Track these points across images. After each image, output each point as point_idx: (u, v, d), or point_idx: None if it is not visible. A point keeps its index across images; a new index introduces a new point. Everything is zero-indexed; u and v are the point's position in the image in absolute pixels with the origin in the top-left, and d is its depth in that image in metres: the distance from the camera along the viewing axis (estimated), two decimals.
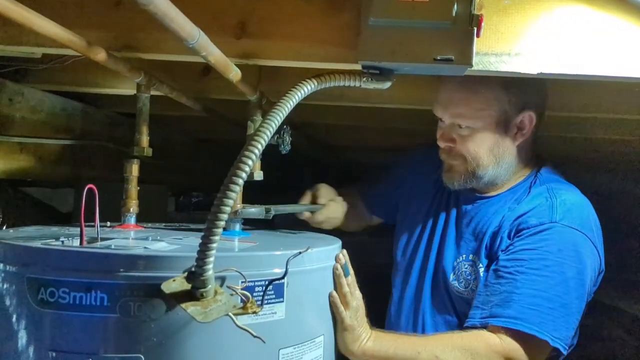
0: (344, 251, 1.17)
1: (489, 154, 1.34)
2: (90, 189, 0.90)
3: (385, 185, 1.67)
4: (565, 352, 1.24)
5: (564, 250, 1.25)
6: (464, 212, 1.43)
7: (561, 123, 1.70)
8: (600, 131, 1.76)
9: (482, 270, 1.32)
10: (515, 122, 1.34)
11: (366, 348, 1.17)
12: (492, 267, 1.30)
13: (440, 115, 1.37)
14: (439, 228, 1.46)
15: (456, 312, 1.38)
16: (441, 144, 1.38)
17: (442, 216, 1.47)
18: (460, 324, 1.33)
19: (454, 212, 1.45)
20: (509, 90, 1.31)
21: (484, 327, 1.24)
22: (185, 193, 3.07)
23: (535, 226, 1.28)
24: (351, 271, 1.16)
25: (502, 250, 1.30)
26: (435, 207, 1.50)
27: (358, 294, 1.18)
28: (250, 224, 1.30)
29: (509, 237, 1.30)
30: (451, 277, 1.37)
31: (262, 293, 0.91)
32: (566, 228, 1.27)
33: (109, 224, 1.21)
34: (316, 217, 1.52)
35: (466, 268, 1.36)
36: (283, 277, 0.91)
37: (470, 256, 1.37)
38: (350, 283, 1.15)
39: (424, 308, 1.42)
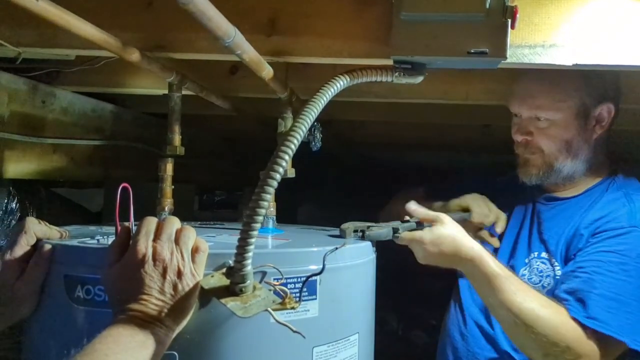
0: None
1: (568, 146, 1.31)
2: (124, 188, 0.90)
3: None
4: None
5: None
6: (538, 213, 1.41)
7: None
8: None
9: (558, 269, 1.30)
10: (594, 114, 1.31)
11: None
12: (568, 268, 1.27)
13: (517, 111, 1.34)
14: (514, 230, 1.43)
15: None
16: (518, 137, 1.35)
17: (519, 220, 1.44)
18: None
19: (529, 214, 1.43)
20: (588, 81, 1.28)
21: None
22: (208, 192, 3.09)
23: (613, 229, 1.25)
24: None
25: (577, 253, 1.27)
26: (516, 218, 1.45)
27: None
28: None
29: (585, 241, 1.28)
30: (521, 271, 1.35)
31: (295, 289, 0.91)
32: None
33: None
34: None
35: (539, 265, 1.34)
36: (321, 272, 0.91)
37: (543, 254, 1.34)
38: None
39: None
